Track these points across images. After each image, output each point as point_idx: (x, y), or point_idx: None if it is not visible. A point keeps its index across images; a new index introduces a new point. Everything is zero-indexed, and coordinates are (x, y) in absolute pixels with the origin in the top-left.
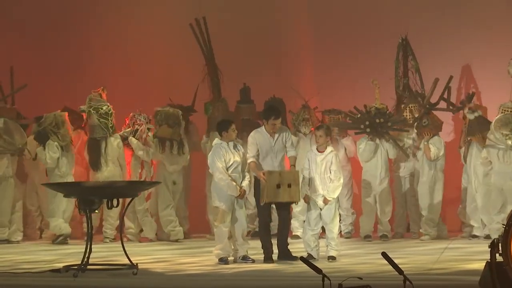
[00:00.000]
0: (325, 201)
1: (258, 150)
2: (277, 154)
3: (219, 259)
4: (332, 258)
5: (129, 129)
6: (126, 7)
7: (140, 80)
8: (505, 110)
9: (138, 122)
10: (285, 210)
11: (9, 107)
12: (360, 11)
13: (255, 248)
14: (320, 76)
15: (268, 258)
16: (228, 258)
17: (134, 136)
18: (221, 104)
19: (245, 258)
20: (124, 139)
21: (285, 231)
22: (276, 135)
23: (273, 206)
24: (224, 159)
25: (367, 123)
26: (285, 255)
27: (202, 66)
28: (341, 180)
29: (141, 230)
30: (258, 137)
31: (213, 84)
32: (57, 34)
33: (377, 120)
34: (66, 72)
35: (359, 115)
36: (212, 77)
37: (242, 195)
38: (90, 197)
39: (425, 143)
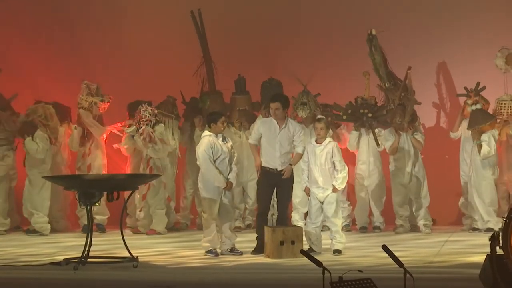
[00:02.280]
0: (335, 190)
1: (260, 136)
2: (281, 146)
3: (206, 251)
4: (337, 252)
5: (134, 127)
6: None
7: (133, 73)
8: (501, 103)
9: (144, 118)
10: (284, 204)
11: None
12: (347, 5)
13: (254, 241)
14: (316, 69)
15: (257, 249)
16: (217, 251)
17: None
18: (218, 96)
19: (232, 251)
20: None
21: (283, 222)
22: (284, 125)
23: (274, 198)
24: (212, 150)
25: (349, 111)
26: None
27: (196, 59)
28: (347, 169)
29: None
30: (263, 123)
31: (209, 76)
32: (49, 25)
33: (361, 111)
34: (57, 65)
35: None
36: (208, 69)
37: (229, 187)
38: (90, 190)
39: (411, 136)
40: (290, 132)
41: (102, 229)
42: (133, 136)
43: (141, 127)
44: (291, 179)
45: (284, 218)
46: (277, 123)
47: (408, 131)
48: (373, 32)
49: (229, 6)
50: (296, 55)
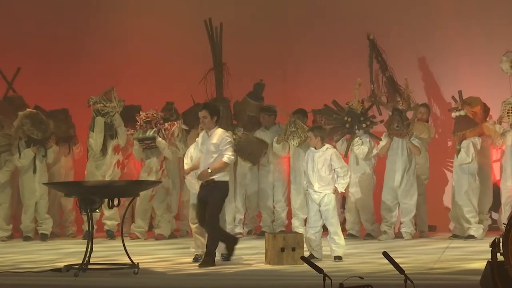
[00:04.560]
0: (335, 191)
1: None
2: (204, 158)
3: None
4: (338, 258)
5: (154, 129)
6: (132, 6)
7: (143, 79)
8: (506, 106)
9: (159, 121)
10: (209, 216)
11: (15, 95)
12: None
13: (254, 248)
14: (327, 75)
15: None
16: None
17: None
18: (225, 104)
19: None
20: (148, 139)
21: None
22: (209, 135)
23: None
24: (191, 155)
25: (334, 116)
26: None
27: (200, 65)
28: (350, 173)
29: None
30: (201, 135)
31: (217, 84)
32: (60, 33)
33: (345, 118)
34: (68, 72)
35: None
36: (217, 76)
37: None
38: (90, 196)
39: (408, 141)
40: (214, 141)
41: (111, 235)
42: (151, 138)
43: (163, 128)
44: (220, 192)
45: (209, 228)
46: (206, 133)
47: (405, 137)
48: (371, 37)
49: (240, 13)
50: (307, 61)
